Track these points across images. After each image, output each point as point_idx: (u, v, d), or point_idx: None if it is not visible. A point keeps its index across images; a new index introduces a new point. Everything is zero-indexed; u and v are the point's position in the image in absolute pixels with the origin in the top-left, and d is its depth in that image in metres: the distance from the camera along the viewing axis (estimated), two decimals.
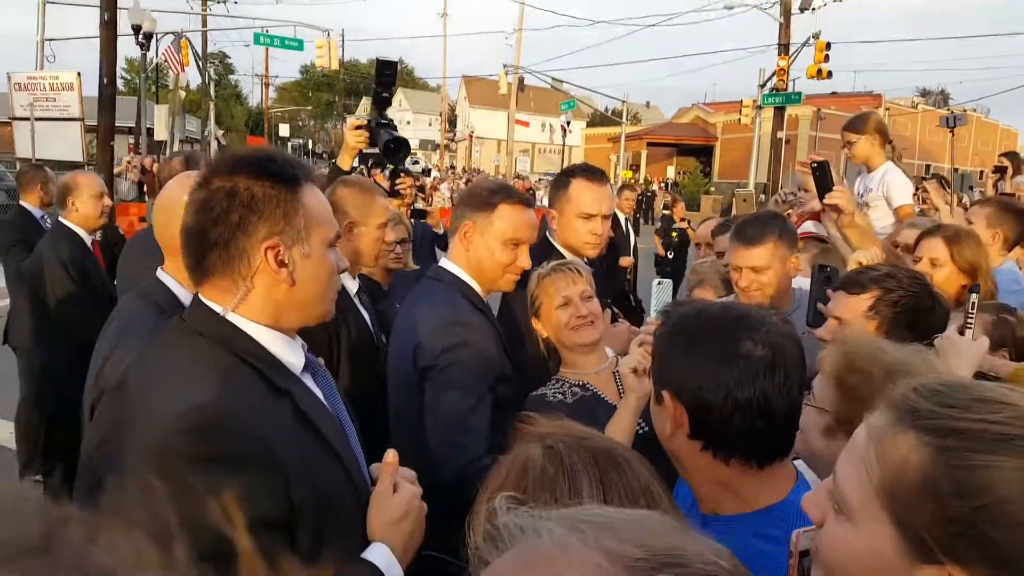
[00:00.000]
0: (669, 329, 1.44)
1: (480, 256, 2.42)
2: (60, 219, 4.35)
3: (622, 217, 9.63)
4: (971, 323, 2.07)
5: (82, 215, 4.27)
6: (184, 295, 2.01)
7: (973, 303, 2.11)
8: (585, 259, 2.90)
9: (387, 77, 3.24)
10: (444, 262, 2.52)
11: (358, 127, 3.22)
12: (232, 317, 1.38)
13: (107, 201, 4.39)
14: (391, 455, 1.46)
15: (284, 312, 1.41)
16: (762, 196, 22.66)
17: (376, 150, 3.24)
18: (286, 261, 1.37)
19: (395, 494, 1.43)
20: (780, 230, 2.88)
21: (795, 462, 1.54)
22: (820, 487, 1.03)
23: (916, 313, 2.08)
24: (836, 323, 2.18)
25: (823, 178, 3.04)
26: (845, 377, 1.51)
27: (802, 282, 3.14)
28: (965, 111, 46.39)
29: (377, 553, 1.38)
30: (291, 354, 1.43)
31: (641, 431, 2.06)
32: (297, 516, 1.29)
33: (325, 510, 1.34)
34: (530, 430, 1.18)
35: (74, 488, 1.80)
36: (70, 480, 4.21)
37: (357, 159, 3.39)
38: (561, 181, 2.95)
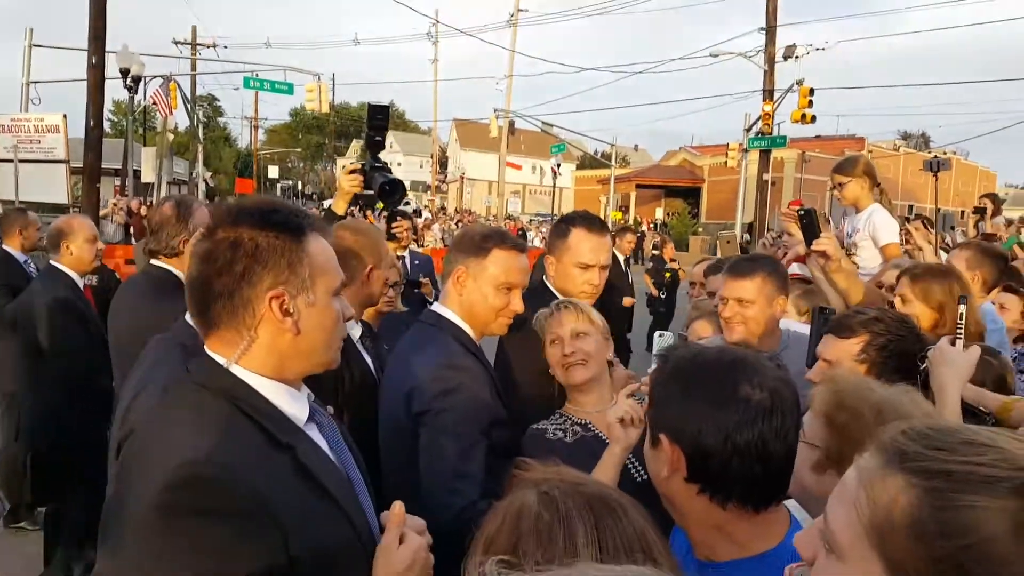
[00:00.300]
0: (667, 373, 1.43)
1: (473, 300, 2.41)
2: (52, 263, 4.35)
3: (621, 258, 9.75)
4: (961, 333, 2.12)
5: (76, 258, 4.28)
6: None
7: (962, 313, 2.16)
8: None
9: (379, 121, 3.27)
10: (437, 306, 2.51)
11: (352, 171, 3.22)
12: (236, 369, 1.38)
13: (100, 245, 4.43)
14: (398, 506, 1.42)
15: (288, 362, 1.41)
16: (747, 236, 22.78)
17: (370, 192, 3.24)
18: (291, 310, 1.37)
19: (401, 545, 1.39)
20: (771, 270, 2.90)
21: (787, 503, 1.53)
22: (812, 526, 1.04)
23: (904, 356, 2.11)
24: (826, 365, 2.21)
25: (810, 225, 3.11)
26: (834, 415, 1.54)
27: (789, 324, 3.17)
28: (945, 153, 47.20)
29: None
30: (294, 406, 1.43)
31: (639, 479, 2.07)
32: (297, 570, 1.27)
33: (330, 563, 1.34)
34: (525, 476, 1.17)
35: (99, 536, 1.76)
36: (60, 525, 4.20)
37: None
38: (561, 229, 2.94)
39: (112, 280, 5.66)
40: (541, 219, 42.11)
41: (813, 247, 3.05)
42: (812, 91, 23.17)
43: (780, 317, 2.93)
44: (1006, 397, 2.25)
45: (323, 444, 1.47)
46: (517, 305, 2.43)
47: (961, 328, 2.14)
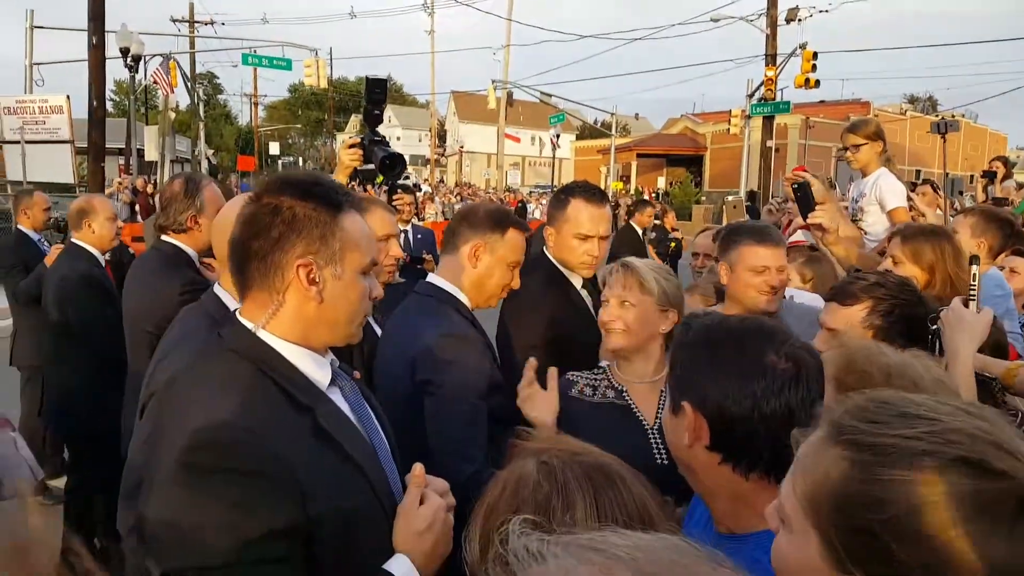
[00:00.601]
0: (691, 339, 1.42)
1: (483, 274, 2.47)
2: (74, 241, 4.43)
3: (639, 231, 10.03)
4: (974, 294, 2.09)
5: (98, 236, 4.39)
6: (234, 304, 2.06)
7: (975, 275, 2.13)
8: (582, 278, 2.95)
9: (377, 95, 3.30)
10: (434, 278, 2.54)
11: (351, 145, 3.24)
12: (263, 334, 1.46)
13: (119, 223, 4.53)
14: (418, 468, 1.49)
15: (312, 329, 1.48)
16: (748, 203, 22.75)
17: (370, 167, 3.26)
18: (316, 279, 1.44)
19: (421, 506, 1.46)
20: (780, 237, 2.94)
21: None
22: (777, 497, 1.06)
23: (909, 320, 2.09)
24: (829, 334, 2.17)
25: (804, 198, 3.15)
26: (844, 377, 1.52)
27: (792, 292, 3.18)
28: (954, 116, 46.76)
29: (398, 564, 1.41)
30: (317, 371, 1.50)
31: (661, 462, 2.07)
32: (315, 529, 1.34)
33: (350, 523, 1.40)
34: (526, 445, 1.17)
35: (120, 484, 1.95)
36: (82, 499, 4.32)
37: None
38: (560, 200, 2.95)
39: (126, 256, 5.76)
40: (541, 191, 41.97)
41: (808, 220, 3.10)
42: (815, 55, 22.82)
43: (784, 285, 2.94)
44: (1011, 363, 2.23)
45: (345, 408, 1.54)
46: (517, 282, 2.55)
47: (974, 290, 2.11)
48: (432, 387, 2.25)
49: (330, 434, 1.43)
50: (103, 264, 4.45)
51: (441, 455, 2.17)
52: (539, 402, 2.29)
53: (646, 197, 20.87)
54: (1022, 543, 0.81)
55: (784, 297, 2.98)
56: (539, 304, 2.83)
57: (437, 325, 2.35)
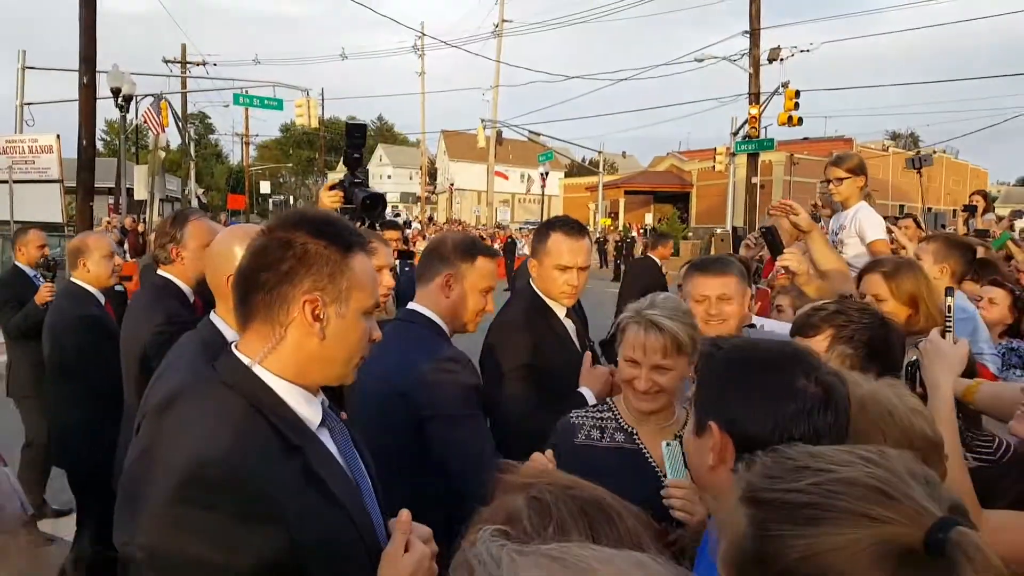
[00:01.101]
0: (722, 359, 1.41)
1: (457, 302, 2.59)
2: (72, 279, 4.45)
3: (659, 263, 10.37)
4: (950, 326, 2.11)
5: (94, 275, 4.39)
6: (228, 332, 2.12)
7: (950, 306, 2.15)
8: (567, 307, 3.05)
9: (357, 139, 3.42)
10: (415, 306, 2.63)
11: (332, 187, 3.36)
12: (258, 370, 1.46)
13: (118, 260, 4.51)
14: (404, 514, 1.46)
15: (309, 367, 1.49)
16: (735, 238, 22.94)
17: (350, 207, 3.34)
18: (321, 316, 1.45)
19: (406, 553, 1.42)
20: (740, 268, 2.93)
21: None
22: None
23: (874, 344, 2.09)
24: None
25: (772, 242, 3.24)
26: None
27: (765, 321, 3.26)
28: (934, 152, 47.42)
29: None
30: (309, 409, 1.50)
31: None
32: (302, 568, 1.35)
33: (334, 564, 1.40)
34: (511, 479, 1.12)
35: (115, 504, 1.94)
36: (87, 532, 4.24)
37: None
38: (542, 234, 3.06)
39: (114, 294, 5.75)
40: (531, 227, 42.27)
41: (777, 263, 3.17)
42: (798, 93, 23.18)
43: (748, 320, 2.96)
44: (970, 381, 2.28)
45: (333, 449, 1.54)
46: (491, 306, 2.68)
47: (950, 321, 2.13)
48: (438, 410, 2.32)
49: (319, 475, 1.43)
50: (102, 302, 4.44)
51: (464, 473, 2.24)
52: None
53: (663, 230, 20.91)
54: None
55: (754, 326, 2.99)
56: (522, 331, 2.93)
57: (428, 352, 2.42)
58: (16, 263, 5.90)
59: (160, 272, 3.41)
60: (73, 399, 4.26)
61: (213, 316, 2.27)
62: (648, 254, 11.00)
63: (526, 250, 29.52)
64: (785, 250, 3.21)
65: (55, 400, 4.39)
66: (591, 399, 2.67)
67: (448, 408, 2.33)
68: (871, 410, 1.48)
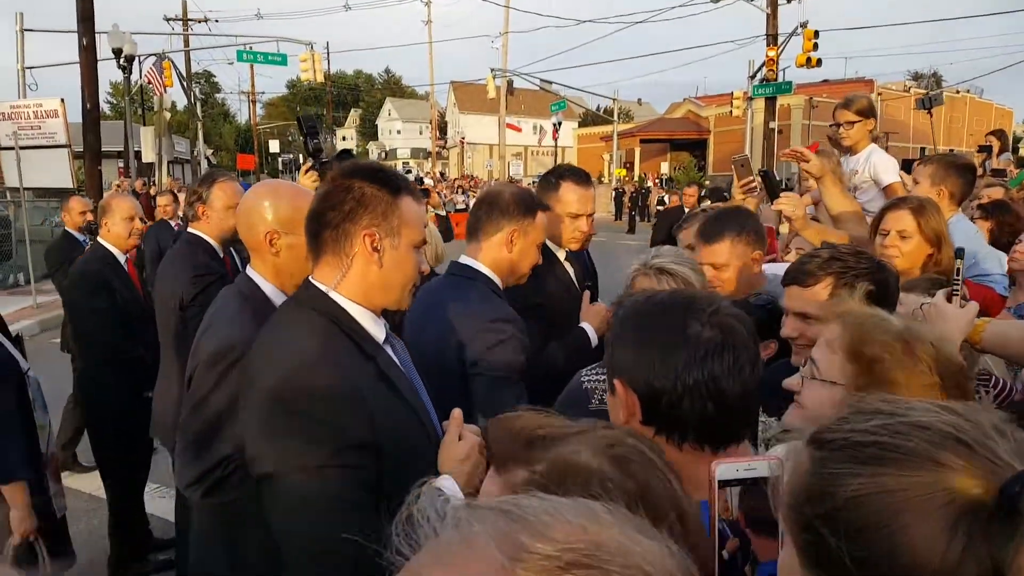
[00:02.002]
0: (620, 318, 1.43)
1: (519, 258, 2.67)
2: (97, 239, 4.62)
3: (687, 211, 10.23)
4: (957, 290, 2.07)
5: (114, 235, 4.50)
6: (266, 286, 2.33)
7: (958, 269, 2.10)
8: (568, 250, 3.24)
9: (312, 128, 3.69)
10: (470, 260, 2.67)
11: (307, 170, 3.60)
12: (334, 295, 1.75)
13: (138, 224, 4.61)
14: (457, 412, 1.72)
15: (372, 292, 1.77)
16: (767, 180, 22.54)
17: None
18: (379, 248, 1.73)
19: (460, 441, 1.68)
20: (739, 229, 2.84)
21: (777, 445, 1.54)
22: None
23: (875, 288, 2.01)
24: (797, 319, 2.13)
25: (770, 185, 3.29)
26: (862, 349, 1.48)
27: (777, 268, 3.21)
28: (958, 92, 46.31)
29: (444, 480, 1.65)
30: (374, 328, 1.80)
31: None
32: (380, 448, 1.61)
33: (404, 448, 1.67)
34: (555, 431, 1.06)
35: (176, 448, 2.28)
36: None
37: None
38: (551, 183, 3.18)
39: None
40: None
41: (773, 207, 3.17)
42: (817, 33, 22.70)
43: (757, 269, 2.90)
44: (977, 320, 2.18)
45: (397, 361, 1.84)
46: (540, 259, 2.78)
47: (958, 283, 2.07)
48: (483, 369, 2.43)
49: (389, 378, 1.74)
50: (122, 261, 4.53)
51: None
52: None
53: (698, 181, 20.51)
54: (971, 551, 0.72)
55: (763, 275, 3.00)
56: (533, 273, 3.02)
57: (486, 310, 2.53)
58: (66, 229, 6.77)
59: (190, 229, 3.78)
60: (79, 354, 4.53)
61: (250, 270, 2.39)
62: (672, 203, 10.93)
63: None
64: (781, 195, 3.19)
65: (78, 358, 4.64)
66: (591, 333, 2.95)
67: (494, 370, 2.43)
68: (913, 345, 1.44)
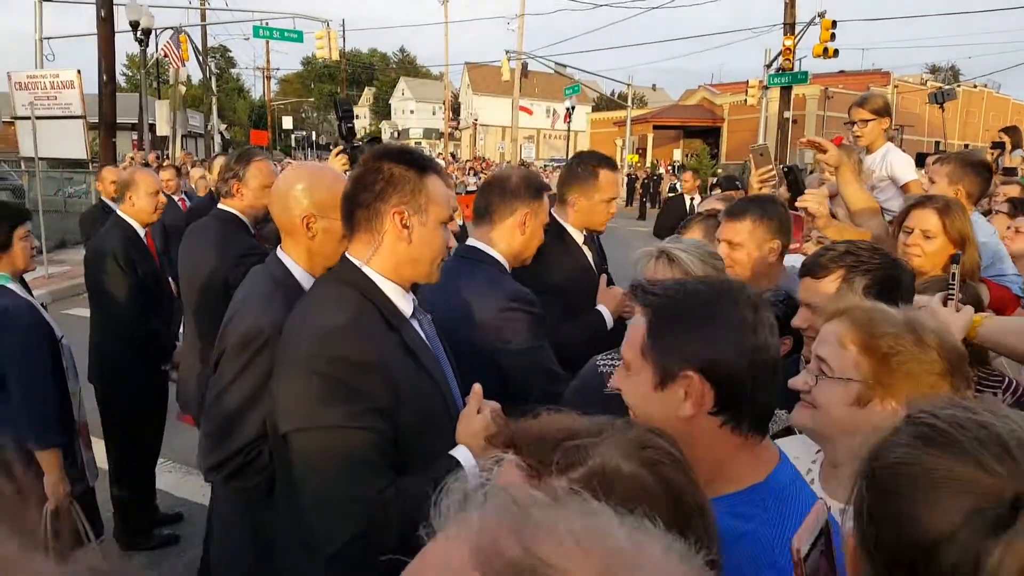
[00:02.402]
0: (668, 308, 1.34)
1: (529, 239, 2.73)
2: (118, 212, 4.57)
3: (687, 198, 10.50)
4: (953, 294, 2.08)
5: (138, 209, 4.48)
6: (296, 269, 2.36)
7: (954, 274, 2.10)
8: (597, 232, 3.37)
9: (346, 112, 3.95)
10: (480, 244, 2.71)
11: (339, 153, 3.74)
12: (366, 270, 1.86)
13: (162, 199, 4.64)
14: (477, 387, 1.88)
15: (401, 267, 1.87)
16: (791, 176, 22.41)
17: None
18: (407, 224, 1.84)
19: (479, 414, 1.83)
20: (762, 214, 2.83)
21: (779, 440, 1.58)
22: None
23: (885, 285, 2.04)
24: (808, 310, 2.14)
25: (795, 182, 3.26)
26: (873, 343, 1.48)
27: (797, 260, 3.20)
28: (976, 87, 45.77)
29: (460, 451, 1.80)
30: (402, 302, 1.90)
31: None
32: (400, 416, 1.72)
33: (425, 418, 1.78)
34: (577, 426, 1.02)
35: (200, 432, 2.34)
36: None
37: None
38: (590, 171, 3.27)
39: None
40: (556, 164, 41.62)
41: (797, 204, 3.13)
42: (835, 23, 22.48)
43: (773, 260, 2.86)
44: (975, 315, 2.18)
45: (423, 334, 1.94)
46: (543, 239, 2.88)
47: (953, 288, 2.07)
48: (512, 346, 2.52)
49: (413, 350, 1.83)
50: (141, 235, 4.51)
51: (537, 393, 2.45)
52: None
53: (694, 167, 20.40)
54: (967, 540, 0.79)
55: (783, 270, 2.98)
56: (550, 255, 3.09)
57: (502, 290, 2.60)
58: (102, 198, 7.06)
59: (221, 206, 3.74)
60: (95, 327, 4.43)
61: (280, 253, 2.40)
62: (684, 190, 10.99)
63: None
64: (806, 192, 3.17)
65: (95, 330, 4.51)
66: (607, 315, 3.02)
67: (522, 342, 2.54)
68: (921, 333, 1.47)
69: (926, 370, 1.42)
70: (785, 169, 3.33)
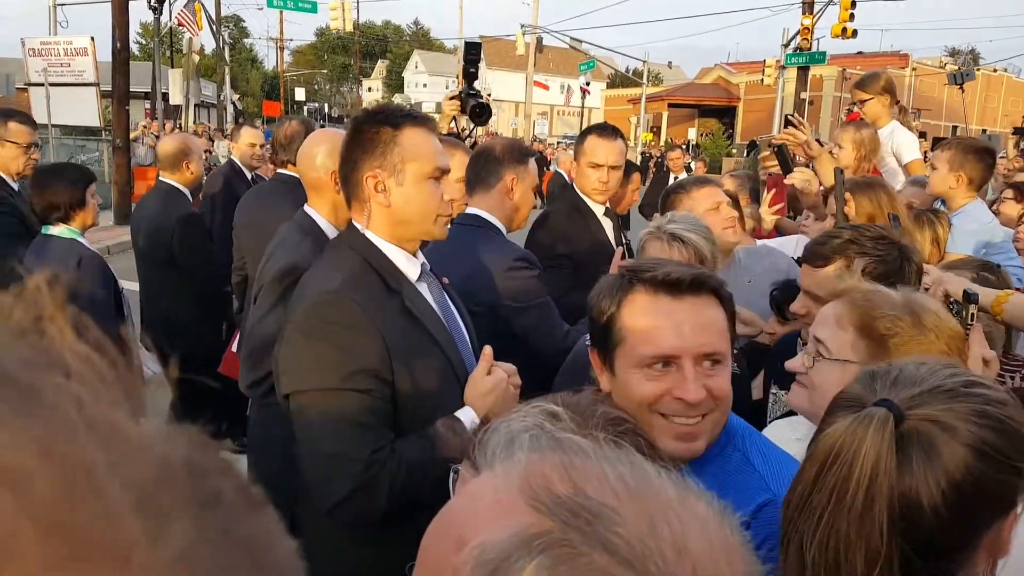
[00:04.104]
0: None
1: (519, 202, 2.86)
2: (169, 180, 4.58)
3: (672, 176, 10.44)
4: (970, 327, 1.93)
5: (192, 175, 4.58)
6: (323, 222, 2.59)
7: (973, 314, 1.96)
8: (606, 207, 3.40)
9: (473, 56, 4.17)
10: (476, 210, 2.83)
11: (452, 97, 3.91)
12: (368, 233, 1.87)
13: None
14: (487, 349, 1.90)
15: (395, 229, 1.88)
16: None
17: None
18: (383, 188, 1.83)
19: (488, 375, 1.85)
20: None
21: (781, 421, 1.68)
22: None
23: (887, 273, 1.98)
24: (807, 297, 2.10)
25: (783, 160, 3.34)
26: (874, 324, 1.48)
27: (783, 243, 3.32)
28: (996, 71, 45.08)
29: (464, 413, 1.83)
30: (407, 265, 1.90)
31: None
32: (397, 378, 1.76)
33: (425, 382, 1.81)
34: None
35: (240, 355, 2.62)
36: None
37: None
38: (580, 137, 3.47)
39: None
40: (568, 141, 41.29)
41: (786, 181, 3.26)
42: (854, 3, 22.10)
43: (732, 229, 2.94)
44: (1000, 292, 2.17)
45: (429, 299, 1.94)
46: (535, 202, 3.01)
47: (971, 327, 1.87)
48: (525, 301, 2.66)
49: (413, 314, 1.85)
50: (191, 200, 4.63)
51: (551, 343, 2.64)
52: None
53: (680, 144, 20.47)
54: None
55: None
56: (563, 226, 3.32)
57: (505, 251, 2.73)
58: (232, 158, 6.90)
59: (283, 171, 4.04)
60: (176, 294, 4.49)
61: (308, 208, 2.69)
62: (697, 169, 10.93)
63: (559, 167, 29.09)
64: (794, 170, 3.26)
65: (158, 294, 4.57)
66: None
67: (527, 300, 2.67)
68: (921, 314, 1.48)
69: (924, 352, 1.41)
70: (775, 148, 3.42)
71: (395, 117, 1.85)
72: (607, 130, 3.41)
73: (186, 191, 4.55)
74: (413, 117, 1.87)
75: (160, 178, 4.64)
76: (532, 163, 2.91)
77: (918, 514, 0.95)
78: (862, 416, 0.99)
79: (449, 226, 2.02)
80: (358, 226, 1.89)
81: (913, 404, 1.00)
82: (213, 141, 19.58)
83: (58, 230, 3.39)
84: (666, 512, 0.51)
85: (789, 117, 3.59)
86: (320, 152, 2.61)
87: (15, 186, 4.00)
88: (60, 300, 0.31)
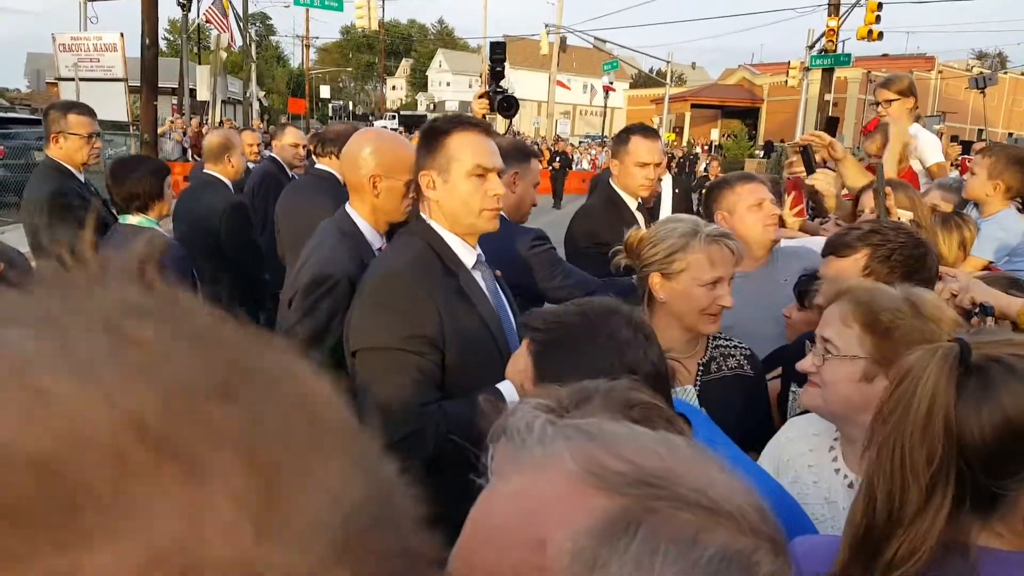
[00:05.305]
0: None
1: (521, 197, 3.16)
2: (213, 172, 4.73)
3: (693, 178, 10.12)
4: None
5: (235, 168, 4.75)
6: (362, 224, 2.62)
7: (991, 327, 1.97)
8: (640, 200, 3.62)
9: (498, 56, 4.43)
10: None
11: (481, 96, 4.06)
12: (431, 223, 2.13)
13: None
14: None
15: (448, 220, 2.12)
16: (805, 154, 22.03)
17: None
18: (433, 186, 2.09)
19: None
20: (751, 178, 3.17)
21: (799, 418, 1.73)
22: None
23: (909, 263, 2.08)
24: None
25: (808, 161, 3.39)
26: (875, 320, 1.53)
27: (805, 242, 3.29)
28: (1023, 73, 44.38)
29: (505, 385, 1.91)
30: (464, 252, 2.14)
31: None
32: (447, 347, 1.98)
33: (471, 353, 2.02)
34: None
35: None
36: None
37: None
38: (623, 138, 3.64)
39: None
40: (591, 141, 41.21)
41: (807, 182, 3.32)
42: (880, 5, 21.91)
43: (766, 227, 2.91)
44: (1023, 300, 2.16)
45: (482, 284, 2.17)
46: (536, 200, 3.29)
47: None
48: (547, 277, 2.96)
49: (466, 294, 2.08)
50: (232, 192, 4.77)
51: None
52: None
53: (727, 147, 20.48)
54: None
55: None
56: (598, 217, 3.59)
57: (523, 233, 3.02)
58: (272, 155, 7.15)
59: (320, 165, 4.28)
60: (214, 282, 4.49)
61: (349, 208, 2.67)
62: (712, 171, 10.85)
63: (585, 164, 29.07)
64: (817, 171, 3.30)
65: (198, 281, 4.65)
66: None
67: (556, 271, 2.99)
68: (922, 308, 1.53)
69: (926, 339, 1.44)
70: (800, 149, 3.49)
71: (448, 123, 2.12)
72: (649, 131, 3.69)
73: (228, 183, 4.68)
74: (463, 122, 2.11)
75: (204, 170, 4.79)
76: (534, 162, 3.15)
77: (969, 438, 1.04)
78: (935, 346, 1.11)
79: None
80: (424, 216, 2.15)
81: (983, 345, 1.10)
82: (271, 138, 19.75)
83: (136, 219, 3.48)
84: (705, 466, 0.56)
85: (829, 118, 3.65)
86: (363, 153, 2.57)
87: (81, 177, 4.08)
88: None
